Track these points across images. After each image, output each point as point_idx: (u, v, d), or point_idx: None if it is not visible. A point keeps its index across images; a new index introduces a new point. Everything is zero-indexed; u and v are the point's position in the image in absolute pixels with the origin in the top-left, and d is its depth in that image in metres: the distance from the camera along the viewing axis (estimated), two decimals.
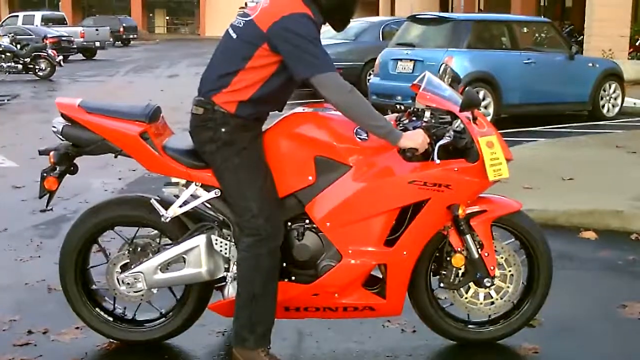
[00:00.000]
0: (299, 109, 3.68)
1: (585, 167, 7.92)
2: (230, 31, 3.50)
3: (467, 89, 3.55)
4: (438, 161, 3.49)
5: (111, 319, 3.87)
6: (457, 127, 3.54)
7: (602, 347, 3.90)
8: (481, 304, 3.83)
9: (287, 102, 3.63)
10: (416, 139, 3.42)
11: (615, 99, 12.95)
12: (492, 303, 3.83)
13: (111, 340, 3.87)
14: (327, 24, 3.52)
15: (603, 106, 12.82)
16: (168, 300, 3.88)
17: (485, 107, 11.35)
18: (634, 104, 13.90)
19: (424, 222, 3.55)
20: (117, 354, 3.82)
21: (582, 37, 19.06)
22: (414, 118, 3.73)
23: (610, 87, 12.87)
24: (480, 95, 11.27)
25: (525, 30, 12.94)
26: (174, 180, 3.65)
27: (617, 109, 12.97)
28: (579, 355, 3.75)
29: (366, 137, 3.52)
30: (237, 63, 3.40)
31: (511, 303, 3.89)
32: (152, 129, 3.62)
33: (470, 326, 3.92)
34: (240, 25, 3.45)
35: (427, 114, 3.59)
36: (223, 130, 3.42)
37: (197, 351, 3.85)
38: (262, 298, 3.43)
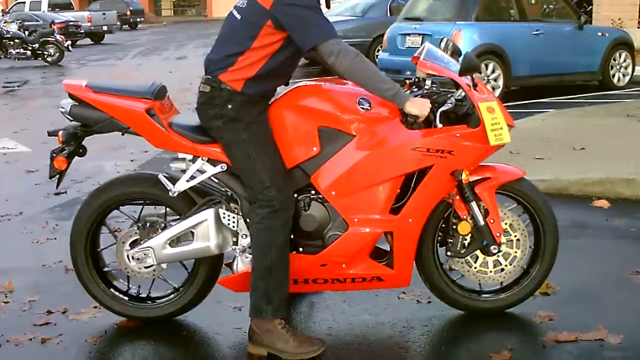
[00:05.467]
0: (302, 82, 3.70)
1: (596, 136, 7.90)
2: (234, 12, 3.53)
3: (466, 53, 3.57)
4: (440, 126, 3.53)
5: (126, 298, 3.92)
6: (458, 95, 3.58)
7: (617, 314, 3.92)
8: (491, 272, 3.86)
9: (296, 79, 3.65)
10: (422, 106, 3.47)
11: (626, 68, 12.89)
12: (502, 270, 3.86)
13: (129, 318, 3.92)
14: None
15: (613, 75, 12.76)
16: (180, 276, 3.93)
17: (495, 80, 11.32)
18: None
19: (428, 189, 3.58)
20: (136, 332, 3.87)
21: (591, 6, 18.90)
22: (415, 88, 3.76)
23: (620, 57, 12.80)
24: (490, 68, 11.25)
25: (533, 1, 12.85)
26: (180, 156, 3.69)
27: (627, 78, 12.92)
28: (593, 322, 3.76)
29: (368, 107, 3.55)
30: (243, 43, 3.43)
31: (521, 268, 3.92)
32: (157, 106, 3.66)
33: (483, 296, 3.95)
34: (243, 6, 3.48)
35: (428, 82, 3.64)
36: (229, 107, 3.46)
37: (214, 327, 3.89)
38: (278, 269, 3.47)
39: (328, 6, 3.52)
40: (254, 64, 3.43)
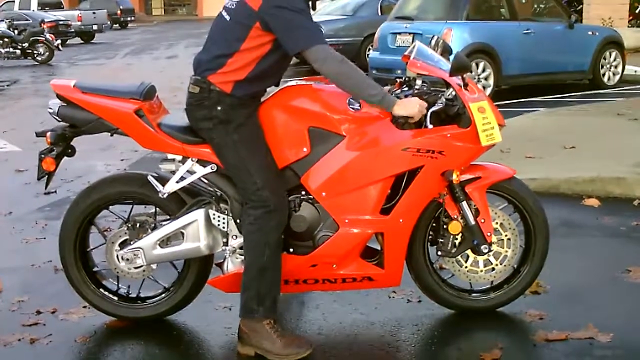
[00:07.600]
0: (292, 82, 3.69)
1: (586, 135, 7.92)
2: (224, 13, 3.51)
3: (456, 53, 3.56)
4: (431, 127, 3.52)
5: (115, 298, 3.90)
6: (448, 95, 3.57)
7: (607, 312, 3.92)
8: (482, 271, 3.85)
9: (287, 78, 3.63)
10: (410, 107, 3.45)
11: (616, 67, 12.92)
12: (493, 269, 3.86)
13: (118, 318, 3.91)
14: None
15: (603, 74, 12.79)
16: (170, 276, 3.92)
17: (486, 79, 11.33)
18: (635, 71, 13.86)
19: (418, 189, 3.57)
20: (126, 332, 3.85)
21: (581, 5, 18.94)
22: (405, 88, 3.75)
23: (610, 55, 12.83)
24: (480, 67, 11.26)
25: (523, 0, 12.87)
26: (170, 156, 3.67)
27: (617, 77, 12.95)
28: (584, 321, 3.76)
29: (359, 107, 3.53)
30: (231, 45, 3.41)
31: (512, 267, 3.92)
32: (146, 106, 3.63)
33: (473, 295, 3.95)
34: (232, 7, 3.46)
35: (419, 82, 3.63)
36: (219, 108, 3.44)
37: (204, 327, 3.88)
38: (270, 270, 3.46)
39: (314, 7, 3.51)
40: (244, 67, 3.41)
